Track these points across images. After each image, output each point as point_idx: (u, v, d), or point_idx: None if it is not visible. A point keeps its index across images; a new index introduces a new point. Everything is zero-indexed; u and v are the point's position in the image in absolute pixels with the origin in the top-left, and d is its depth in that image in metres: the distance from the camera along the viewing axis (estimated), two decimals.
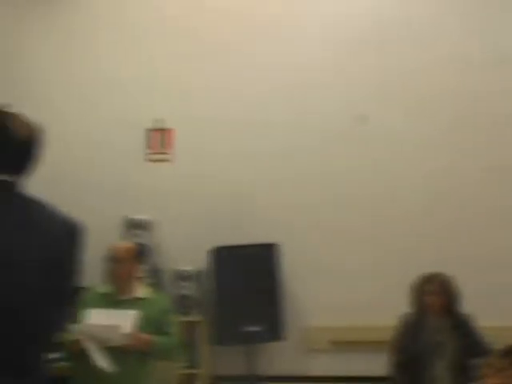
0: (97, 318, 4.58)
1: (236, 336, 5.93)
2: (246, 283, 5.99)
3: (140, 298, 4.83)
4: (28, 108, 6.69)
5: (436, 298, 5.23)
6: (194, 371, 6.05)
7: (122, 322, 4.58)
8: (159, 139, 6.56)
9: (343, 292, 6.21)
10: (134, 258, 4.93)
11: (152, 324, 4.71)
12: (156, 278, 6.01)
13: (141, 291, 4.88)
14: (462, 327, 5.21)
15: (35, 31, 6.81)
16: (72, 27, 6.79)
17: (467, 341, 5.15)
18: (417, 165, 6.35)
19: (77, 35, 6.77)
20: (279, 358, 6.25)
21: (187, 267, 6.13)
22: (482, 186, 6.25)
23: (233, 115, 6.51)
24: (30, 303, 2.49)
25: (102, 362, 4.43)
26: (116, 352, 4.49)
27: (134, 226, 6.13)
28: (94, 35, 6.75)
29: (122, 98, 6.62)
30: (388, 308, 5.93)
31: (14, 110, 2.67)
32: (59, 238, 2.58)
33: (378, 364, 5.88)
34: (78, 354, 4.53)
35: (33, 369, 2.50)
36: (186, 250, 6.23)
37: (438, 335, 5.21)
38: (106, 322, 4.53)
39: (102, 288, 4.87)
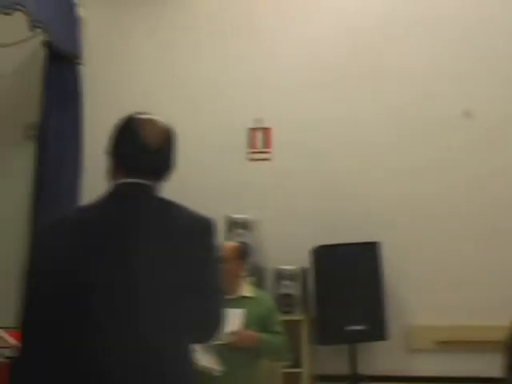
0: None
1: (339, 335, 5.91)
2: (349, 282, 5.95)
3: (246, 297, 4.86)
4: (131, 109, 6.86)
5: None
6: (296, 370, 6.04)
7: (228, 320, 4.59)
8: (260, 138, 6.58)
9: (448, 291, 6.10)
10: (240, 258, 4.97)
11: (258, 322, 4.74)
12: (258, 277, 6.02)
13: (246, 290, 4.91)
14: None
15: (137, 32, 6.91)
16: (174, 27, 6.87)
17: None
18: None
19: (179, 35, 6.84)
20: (382, 357, 6.19)
21: (289, 266, 6.12)
22: None
23: (334, 112, 6.48)
24: (168, 302, 2.55)
25: (207, 362, 4.45)
26: (225, 351, 4.54)
27: (236, 225, 6.16)
28: (196, 35, 6.81)
29: (224, 97, 6.68)
30: (495, 307, 5.85)
31: (148, 115, 2.72)
32: (196, 237, 2.64)
33: (485, 364, 5.80)
34: None
35: (174, 373, 2.54)
36: (287, 248, 6.23)
37: None
38: None
39: None
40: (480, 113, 6.27)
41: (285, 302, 6.02)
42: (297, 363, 6.03)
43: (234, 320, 4.61)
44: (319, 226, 6.25)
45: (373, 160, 6.42)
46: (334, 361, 6.18)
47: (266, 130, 6.58)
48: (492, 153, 6.25)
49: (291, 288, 6.08)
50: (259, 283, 5.94)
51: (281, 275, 6.11)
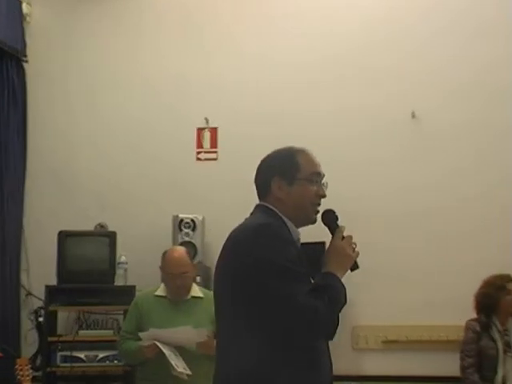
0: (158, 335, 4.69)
1: None
2: None
3: (197, 297, 4.86)
4: (75, 106, 6.81)
5: None
6: None
7: (186, 336, 4.66)
8: (208, 138, 6.57)
9: (393, 290, 6.15)
10: (193, 265, 5.01)
11: (212, 321, 4.73)
12: (205, 277, 6.02)
13: (194, 290, 4.91)
14: None
15: (81, 28, 6.85)
16: (118, 24, 6.82)
17: None
18: (481, 162, 6.30)
19: (122, 33, 6.81)
20: None
21: None
22: None
23: (281, 111, 6.49)
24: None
25: (180, 365, 4.58)
26: (186, 354, 4.67)
27: (185, 225, 6.13)
28: (139, 33, 6.79)
29: (172, 96, 6.66)
30: (439, 307, 5.92)
31: None
32: (229, 259, 2.90)
33: (429, 363, 5.87)
34: (149, 359, 4.69)
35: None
36: None
37: (507, 336, 5.25)
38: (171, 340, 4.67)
39: (157, 290, 4.95)
40: (427, 116, 6.36)
41: None
42: None
43: (191, 335, 4.64)
44: None
45: (322, 159, 6.41)
46: None
47: (212, 130, 6.57)
48: (442, 155, 6.35)
49: None
50: (206, 283, 5.94)
51: None
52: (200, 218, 6.16)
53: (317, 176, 3.05)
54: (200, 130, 6.59)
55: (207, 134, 6.58)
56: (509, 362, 5.19)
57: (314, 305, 2.69)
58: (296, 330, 2.71)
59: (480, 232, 6.14)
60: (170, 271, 4.82)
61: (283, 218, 2.92)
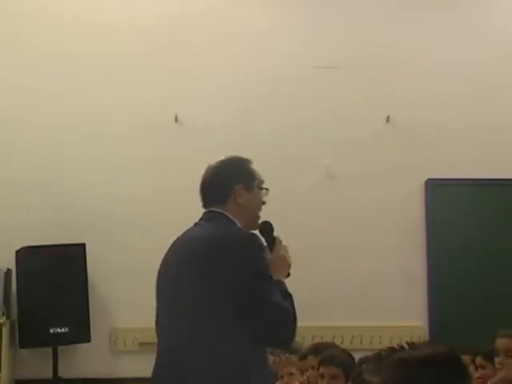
0: None
1: (41, 338, 5.83)
2: (54, 284, 5.90)
3: None
4: None
5: None
6: None
7: None
8: None
9: (147, 292, 6.18)
10: None
11: None
12: None
13: None
14: None
15: None
16: None
17: None
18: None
19: None
20: (85, 359, 6.17)
21: None
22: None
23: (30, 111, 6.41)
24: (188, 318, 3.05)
25: None
26: None
27: None
28: None
29: None
30: None
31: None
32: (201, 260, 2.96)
33: None
34: None
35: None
36: None
37: None
38: None
39: None
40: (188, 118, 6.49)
41: None
42: None
43: None
44: (26, 225, 6.12)
45: (77, 161, 6.36)
46: (36, 364, 6.08)
47: None
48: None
49: None
50: None
51: None
52: None
53: (263, 184, 3.20)
54: None
55: None
56: None
57: (290, 307, 2.93)
58: (279, 329, 2.90)
59: None
60: None
61: (237, 224, 3.05)
